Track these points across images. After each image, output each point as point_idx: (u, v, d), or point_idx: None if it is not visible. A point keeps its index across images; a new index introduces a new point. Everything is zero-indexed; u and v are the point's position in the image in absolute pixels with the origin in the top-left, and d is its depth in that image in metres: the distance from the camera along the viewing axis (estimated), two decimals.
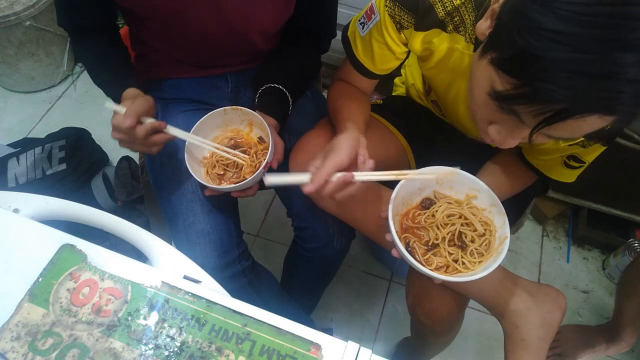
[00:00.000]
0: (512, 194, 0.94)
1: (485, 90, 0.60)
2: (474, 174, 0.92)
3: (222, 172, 0.92)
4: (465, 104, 0.88)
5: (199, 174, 0.89)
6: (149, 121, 0.80)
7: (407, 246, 0.75)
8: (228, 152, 0.91)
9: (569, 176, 0.89)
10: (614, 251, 1.59)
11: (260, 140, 0.95)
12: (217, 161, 0.92)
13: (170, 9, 0.88)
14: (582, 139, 0.77)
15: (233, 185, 0.86)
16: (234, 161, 0.92)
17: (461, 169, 0.78)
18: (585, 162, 0.84)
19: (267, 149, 0.88)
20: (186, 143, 0.88)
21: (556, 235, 1.69)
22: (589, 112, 0.53)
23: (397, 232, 0.73)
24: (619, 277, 1.36)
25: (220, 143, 0.94)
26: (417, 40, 0.80)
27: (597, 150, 0.81)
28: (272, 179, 0.74)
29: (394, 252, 0.76)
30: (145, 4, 0.87)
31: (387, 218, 0.73)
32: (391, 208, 0.73)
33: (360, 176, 0.74)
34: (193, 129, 0.90)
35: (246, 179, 0.86)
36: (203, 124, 0.91)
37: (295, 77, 1.04)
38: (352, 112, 0.88)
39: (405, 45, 0.84)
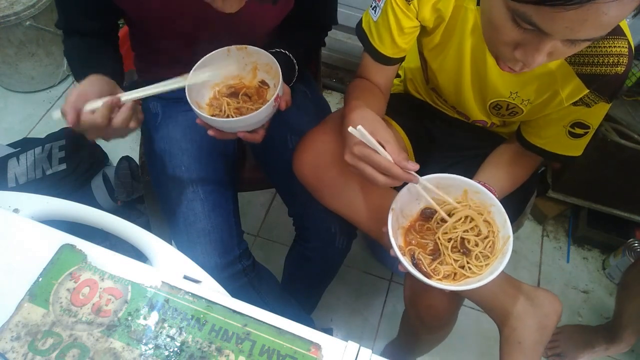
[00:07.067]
0: (517, 184, 0.94)
1: (502, 11, 0.60)
2: (473, 167, 0.91)
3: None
4: (469, 80, 0.88)
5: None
6: (99, 103, 0.71)
7: (413, 258, 0.75)
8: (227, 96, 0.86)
9: (576, 148, 0.88)
10: (614, 251, 1.59)
11: (263, 83, 0.89)
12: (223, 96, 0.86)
13: (168, 12, 0.88)
14: (587, 91, 0.77)
15: (244, 117, 0.79)
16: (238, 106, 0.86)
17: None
18: (590, 127, 0.83)
19: (272, 91, 0.82)
20: (186, 87, 0.80)
21: (556, 235, 1.69)
22: None
23: (401, 246, 0.72)
24: (620, 278, 1.36)
25: (218, 92, 0.88)
26: (427, 7, 0.81)
27: (602, 109, 0.80)
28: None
29: (400, 267, 0.75)
30: (145, 8, 0.87)
31: (387, 234, 0.72)
32: (390, 224, 0.72)
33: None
34: (190, 74, 0.81)
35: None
36: (202, 66, 0.83)
37: (298, 47, 1.00)
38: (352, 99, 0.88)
39: (417, 18, 0.84)
